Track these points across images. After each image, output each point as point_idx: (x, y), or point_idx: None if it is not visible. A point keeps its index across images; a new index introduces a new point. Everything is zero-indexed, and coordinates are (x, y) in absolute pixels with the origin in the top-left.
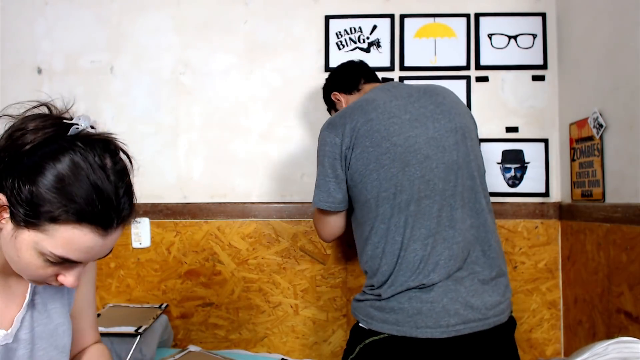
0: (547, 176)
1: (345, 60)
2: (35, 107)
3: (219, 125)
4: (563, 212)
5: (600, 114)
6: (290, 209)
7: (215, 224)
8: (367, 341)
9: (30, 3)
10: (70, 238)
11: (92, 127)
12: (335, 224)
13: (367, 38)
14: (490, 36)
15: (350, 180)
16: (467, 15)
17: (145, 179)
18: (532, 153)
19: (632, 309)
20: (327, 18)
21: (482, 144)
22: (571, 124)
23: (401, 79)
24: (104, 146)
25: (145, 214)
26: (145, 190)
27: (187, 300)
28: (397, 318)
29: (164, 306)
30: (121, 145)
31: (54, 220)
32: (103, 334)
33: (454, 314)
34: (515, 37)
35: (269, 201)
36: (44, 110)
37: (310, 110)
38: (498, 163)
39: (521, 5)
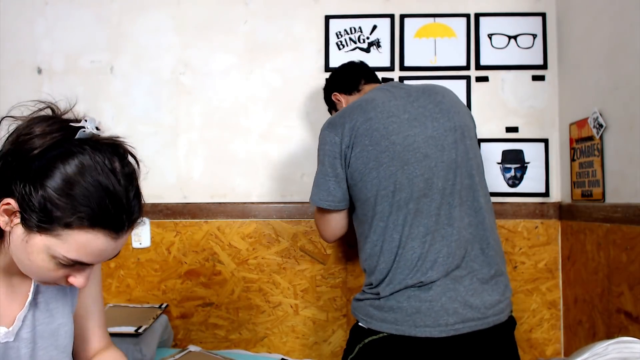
0: (547, 176)
1: (345, 60)
2: (40, 109)
3: (219, 125)
4: (563, 212)
5: (600, 114)
6: (290, 209)
7: (215, 224)
8: (366, 340)
9: (30, 3)
10: (84, 242)
11: (97, 128)
12: (336, 223)
13: (367, 38)
14: (490, 36)
15: (350, 179)
16: (467, 15)
17: (145, 178)
18: (532, 153)
19: (632, 309)
20: (327, 18)
21: (482, 144)
22: (571, 124)
23: (401, 79)
24: (113, 150)
25: (145, 214)
26: (145, 190)
27: (187, 300)
28: (396, 317)
29: (164, 306)
30: (129, 148)
31: (68, 225)
32: None
33: (453, 313)
34: (515, 37)
35: (269, 201)
36: (48, 112)
37: (310, 110)
38: (498, 163)
39: (521, 5)
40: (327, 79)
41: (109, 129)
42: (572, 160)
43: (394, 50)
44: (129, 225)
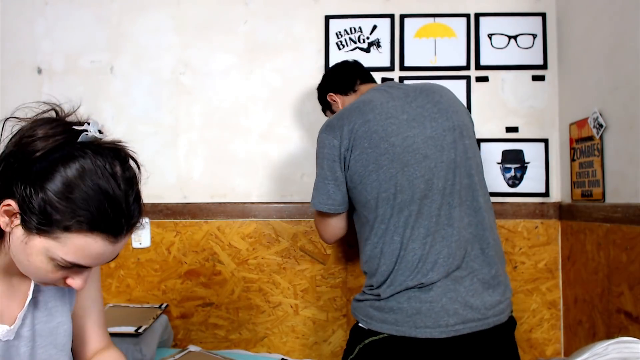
0: (547, 176)
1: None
2: (44, 111)
3: (219, 125)
4: (563, 212)
5: (600, 114)
6: (290, 209)
7: (215, 224)
8: (366, 341)
9: (30, 3)
10: (82, 246)
11: (100, 131)
12: (336, 225)
13: (367, 38)
14: (490, 36)
15: (350, 182)
16: (467, 15)
17: (146, 183)
18: (532, 153)
19: (632, 309)
20: (327, 18)
21: (482, 144)
22: (571, 124)
23: (401, 79)
24: (114, 154)
25: (145, 214)
26: (145, 190)
27: (187, 300)
28: (396, 318)
29: (164, 306)
30: (131, 152)
31: (67, 229)
32: None
33: (453, 313)
34: (515, 37)
35: (269, 201)
36: (52, 114)
37: (310, 110)
38: (498, 163)
39: (521, 5)
40: (321, 80)
41: (109, 129)
42: (572, 160)
43: (394, 50)
44: (127, 230)
